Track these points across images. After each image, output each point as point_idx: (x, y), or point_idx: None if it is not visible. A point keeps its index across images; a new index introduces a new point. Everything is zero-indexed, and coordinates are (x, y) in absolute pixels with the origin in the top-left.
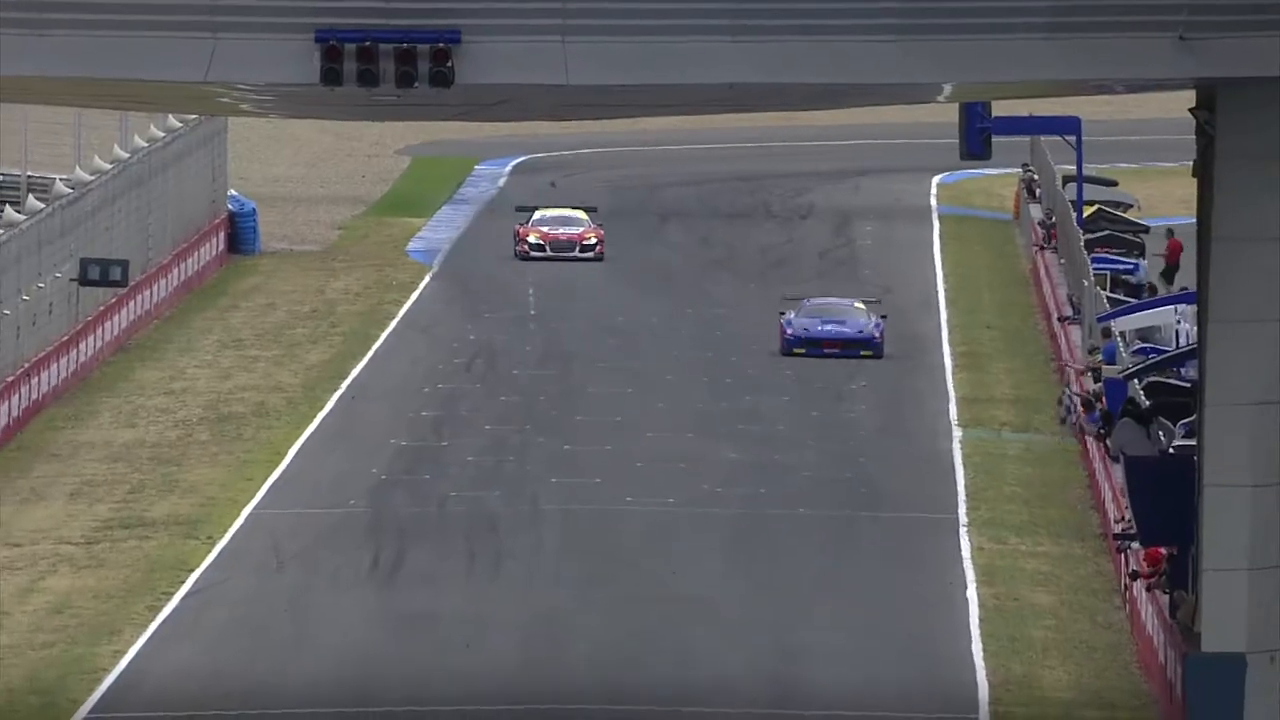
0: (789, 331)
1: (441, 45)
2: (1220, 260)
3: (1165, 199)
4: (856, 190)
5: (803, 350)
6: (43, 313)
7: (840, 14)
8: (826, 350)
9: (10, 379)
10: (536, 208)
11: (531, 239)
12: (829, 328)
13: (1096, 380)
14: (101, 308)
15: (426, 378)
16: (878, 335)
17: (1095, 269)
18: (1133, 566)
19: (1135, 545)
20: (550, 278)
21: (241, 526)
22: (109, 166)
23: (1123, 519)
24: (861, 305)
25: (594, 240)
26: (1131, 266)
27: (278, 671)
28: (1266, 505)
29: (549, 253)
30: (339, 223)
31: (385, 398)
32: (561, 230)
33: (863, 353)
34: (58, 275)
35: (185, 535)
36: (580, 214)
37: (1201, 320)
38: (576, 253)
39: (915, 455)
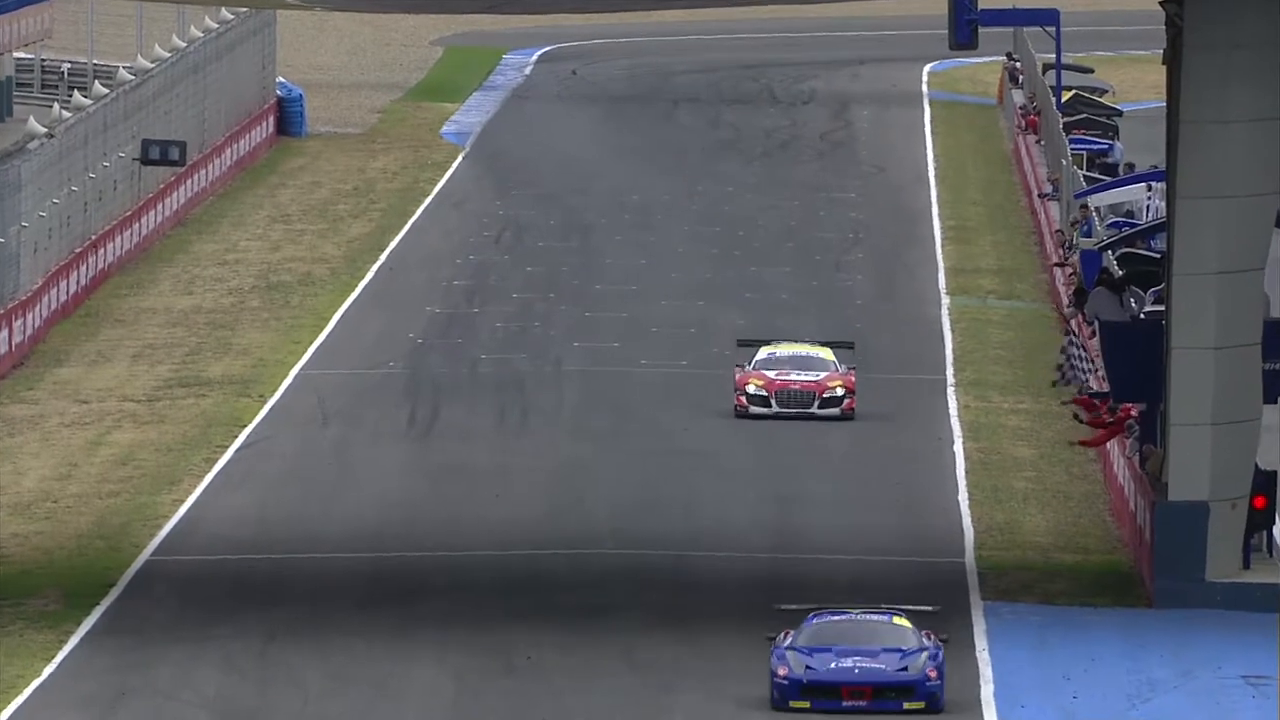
0: (782, 672)
1: None
2: (1187, 141)
3: (1137, 85)
4: (854, 78)
5: (806, 704)
6: (108, 189)
7: None
8: (847, 703)
9: (79, 250)
10: (765, 342)
11: (751, 388)
12: (850, 665)
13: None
14: (161, 185)
15: (459, 249)
16: (932, 674)
17: (1072, 149)
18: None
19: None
20: (561, 151)
21: (290, 385)
22: (168, 55)
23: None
24: (905, 621)
25: (841, 391)
26: (1106, 147)
27: (322, 518)
28: (1229, 366)
29: (775, 408)
30: (378, 107)
31: (421, 268)
32: (795, 376)
33: (906, 705)
34: (121, 155)
35: (238, 394)
36: (823, 352)
37: (1170, 196)
38: (815, 409)
39: (907, 321)
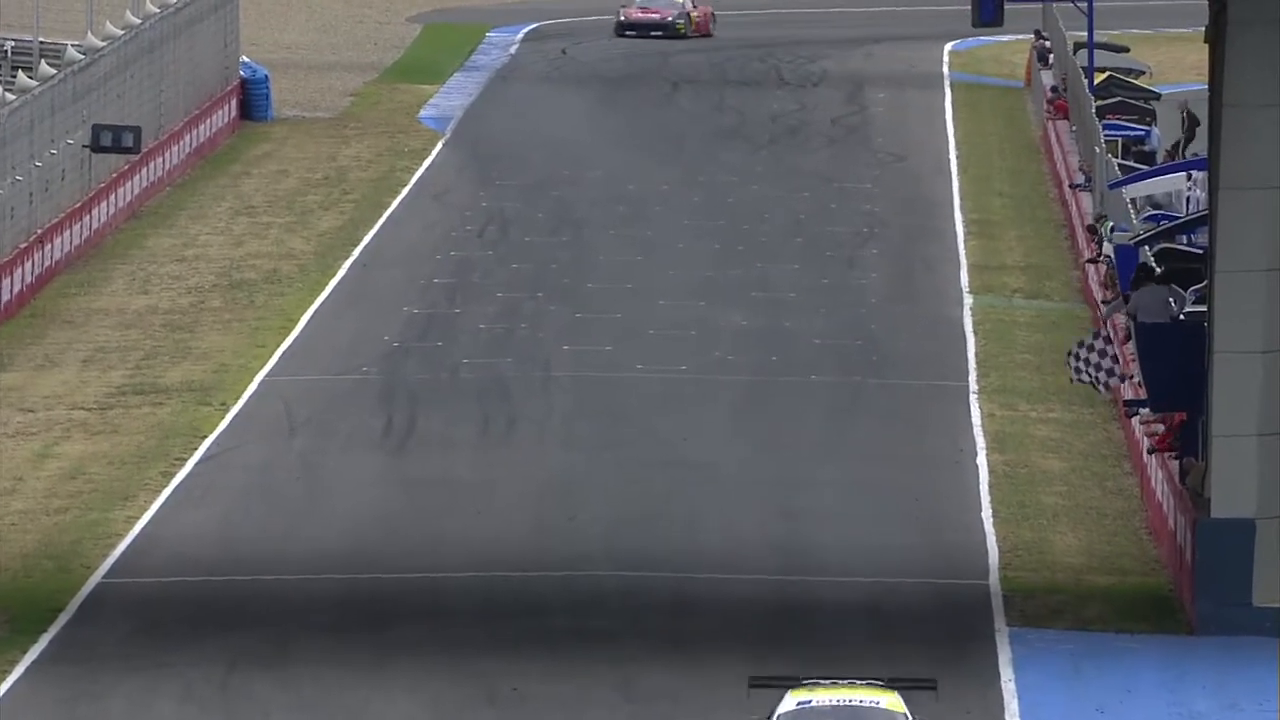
0: None
1: None
2: (1231, 126)
3: (1176, 66)
4: (869, 57)
5: None
6: (55, 179)
7: None
8: None
9: (23, 245)
10: (793, 681)
11: None
12: None
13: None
14: (114, 174)
15: (439, 245)
16: None
17: (1106, 136)
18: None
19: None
20: (554, 136)
21: (254, 392)
22: (121, 32)
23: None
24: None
25: None
26: (1143, 133)
27: (290, 536)
28: (1276, 372)
29: None
30: (351, 89)
31: (397, 264)
32: None
33: None
34: (70, 142)
35: (198, 401)
36: (887, 699)
37: (1212, 187)
38: None
39: (926, 322)
